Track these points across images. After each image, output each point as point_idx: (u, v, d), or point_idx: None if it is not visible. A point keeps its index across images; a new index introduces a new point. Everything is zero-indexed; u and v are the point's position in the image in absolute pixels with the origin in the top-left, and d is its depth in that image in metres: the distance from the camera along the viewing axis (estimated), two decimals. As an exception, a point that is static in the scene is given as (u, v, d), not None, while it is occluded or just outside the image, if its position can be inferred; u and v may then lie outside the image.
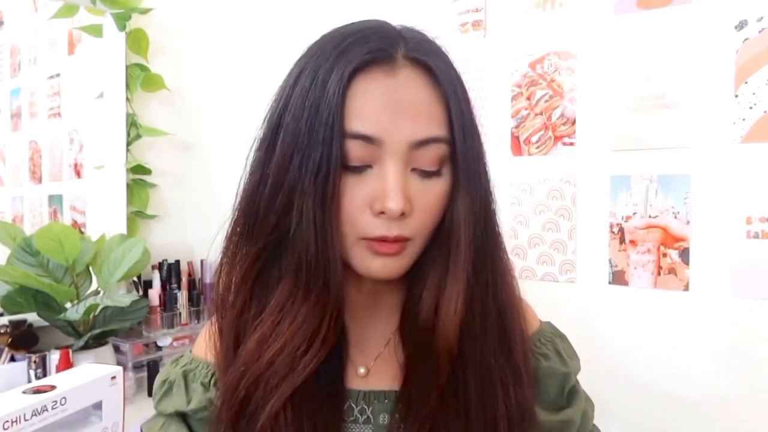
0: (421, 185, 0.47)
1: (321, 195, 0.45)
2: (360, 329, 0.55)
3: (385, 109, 0.45)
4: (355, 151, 0.46)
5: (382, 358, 0.55)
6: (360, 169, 0.46)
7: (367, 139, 0.45)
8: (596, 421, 0.61)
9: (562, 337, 0.61)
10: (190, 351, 0.59)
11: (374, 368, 0.55)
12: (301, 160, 0.46)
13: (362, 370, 0.54)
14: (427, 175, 0.48)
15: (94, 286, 1.40)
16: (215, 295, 0.54)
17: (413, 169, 0.47)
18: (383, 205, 0.45)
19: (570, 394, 0.57)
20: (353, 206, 0.46)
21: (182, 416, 0.55)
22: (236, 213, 0.52)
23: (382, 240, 0.46)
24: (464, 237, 0.49)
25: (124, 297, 1.32)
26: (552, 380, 0.56)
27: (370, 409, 0.53)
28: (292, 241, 0.48)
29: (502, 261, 0.53)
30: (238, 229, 0.52)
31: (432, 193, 0.48)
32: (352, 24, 0.49)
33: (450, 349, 0.48)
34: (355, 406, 0.53)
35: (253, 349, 0.48)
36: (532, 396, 0.52)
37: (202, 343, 0.57)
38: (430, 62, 0.48)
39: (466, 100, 0.49)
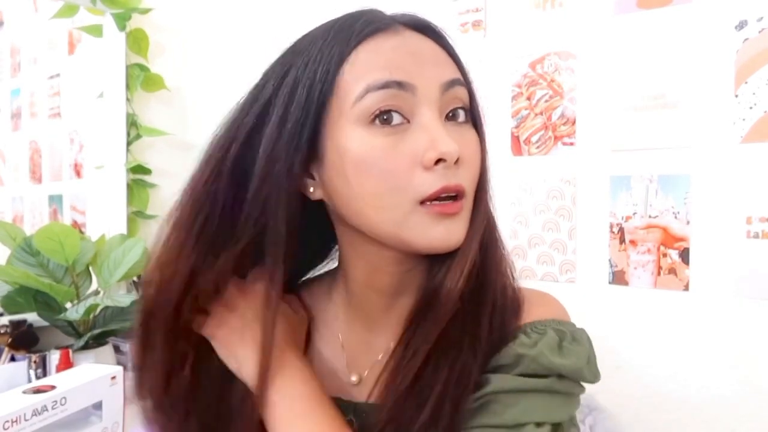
0: (459, 133, 0.46)
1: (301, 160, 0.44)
2: (370, 331, 0.53)
3: (408, 58, 0.44)
4: (387, 102, 0.43)
5: (376, 369, 0.51)
6: (395, 129, 0.44)
7: (398, 85, 0.43)
8: (596, 421, 0.61)
9: (576, 341, 0.48)
10: None
11: (368, 378, 0.52)
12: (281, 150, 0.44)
13: (354, 378, 0.53)
14: (456, 121, 0.47)
15: (94, 286, 1.40)
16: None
17: (447, 118, 0.46)
18: (438, 152, 0.42)
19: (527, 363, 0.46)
20: (401, 167, 0.43)
21: None
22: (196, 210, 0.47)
23: (444, 191, 0.43)
24: (484, 199, 0.49)
25: (124, 297, 1.32)
26: (506, 357, 0.46)
27: (358, 422, 0.50)
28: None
29: (498, 236, 0.52)
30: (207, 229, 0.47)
31: (470, 142, 0.47)
32: (336, 17, 0.49)
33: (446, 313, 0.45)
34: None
35: None
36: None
37: None
38: (429, 26, 0.49)
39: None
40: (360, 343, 0.54)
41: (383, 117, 0.43)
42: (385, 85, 0.43)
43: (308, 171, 0.48)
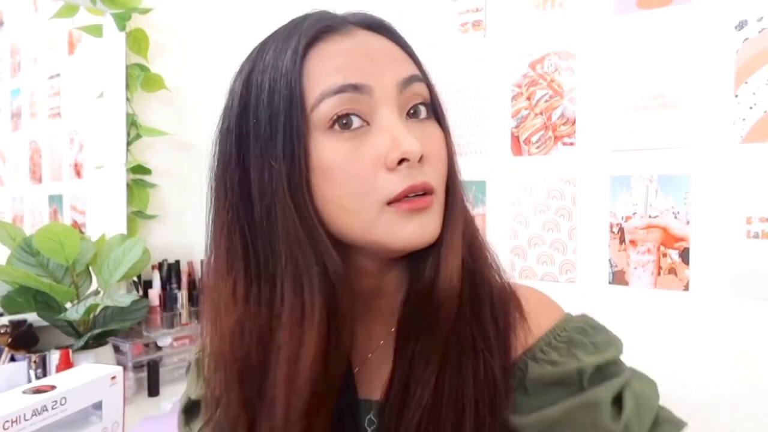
0: (420, 130, 0.45)
1: (297, 170, 0.43)
2: (355, 332, 0.52)
3: (362, 59, 0.44)
4: (344, 107, 0.43)
5: (369, 365, 0.51)
6: (354, 132, 0.43)
7: (353, 88, 0.42)
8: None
9: (594, 328, 0.50)
10: None
11: (356, 376, 0.51)
12: (267, 148, 0.43)
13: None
14: (417, 118, 0.46)
15: (94, 286, 1.40)
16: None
17: (406, 116, 0.45)
18: (401, 151, 0.41)
19: (593, 378, 0.46)
20: (364, 170, 0.42)
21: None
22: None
23: (411, 191, 0.42)
24: (458, 194, 0.48)
25: (124, 297, 1.32)
26: (559, 388, 0.46)
27: (351, 418, 0.49)
28: (270, 234, 0.44)
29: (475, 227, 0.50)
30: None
31: (433, 137, 0.46)
32: (286, 23, 0.49)
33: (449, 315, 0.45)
34: None
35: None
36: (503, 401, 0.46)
37: None
38: (382, 24, 0.48)
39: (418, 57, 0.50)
40: (354, 334, 0.53)
41: (342, 122, 0.43)
42: (340, 90, 0.42)
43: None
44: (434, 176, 0.45)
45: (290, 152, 0.43)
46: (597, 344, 0.48)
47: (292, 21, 0.48)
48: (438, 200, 0.45)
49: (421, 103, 0.46)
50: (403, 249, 0.44)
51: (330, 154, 0.43)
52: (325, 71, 0.43)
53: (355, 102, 0.43)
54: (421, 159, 0.43)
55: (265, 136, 0.44)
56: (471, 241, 0.49)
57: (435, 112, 0.48)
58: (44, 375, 1.19)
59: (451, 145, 0.49)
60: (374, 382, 0.50)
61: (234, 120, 0.47)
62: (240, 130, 0.46)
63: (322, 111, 0.43)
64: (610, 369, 0.47)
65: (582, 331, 0.49)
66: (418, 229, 0.43)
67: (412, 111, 0.46)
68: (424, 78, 0.48)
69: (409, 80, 0.45)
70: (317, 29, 0.45)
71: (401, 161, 0.42)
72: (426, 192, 0.43)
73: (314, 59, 0.44)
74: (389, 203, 0.43)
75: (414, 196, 0.43)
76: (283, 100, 0.43)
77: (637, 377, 0.48)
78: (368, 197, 0.43)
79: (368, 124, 0.44)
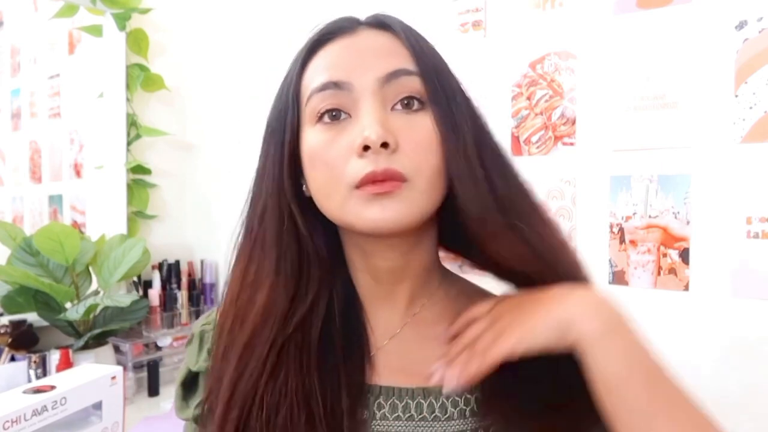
0: (405, 121, 0.46)
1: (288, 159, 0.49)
2: (375, 318, 0.54)
3: (347, 58, 0.48)
4: (327, 102, 0.47)
5: (384, 352, 0.53)
6: (338, 124, 0.47)
7: (334, 85, 0.47)
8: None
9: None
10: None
11: (371, 360, 0.52)
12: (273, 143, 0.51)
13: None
14: (409, 110, 0.47)
15: (94, 286, 1.40)
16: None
17: (394, 108, 0.47)
18: (362, 138, 0.44)
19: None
20: (337, 157, 0.46)
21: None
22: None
23: (372, 177, 0.44)
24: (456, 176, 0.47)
25: (124, 297, 1.32)
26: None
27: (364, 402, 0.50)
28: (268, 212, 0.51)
29: (530, 202, 0.51)
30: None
31: (418, 127, 0.47)
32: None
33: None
34: None
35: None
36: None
37: None
38: (387, 21, 0.50)
39: (432, 48, 0.51)
40: (373, 321, 0.55)
41: (330, 114, 0.47)
42: (323, 87, 0.47)
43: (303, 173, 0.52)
44: (409, 164, 0.45)
45: (280, 141, 0.50)
46: None
47: (314, 30, 0.53)
48: (413, 186, 0.45)
49: (411, 96, 0.47)
50: (370, 231, 0.46)
51: (314, 144, 0.48)
52: (317, 70, 0.49)
53: (338, 97, 0.47)
54: (387, 146, 0.44)
55: (278, 129, 0.51)
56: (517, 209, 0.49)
57: (438, 103, 0.48)
58: (44, 375, 1.19)
59: (449, 133, 0.47)
60: (386, 369, 0.51)
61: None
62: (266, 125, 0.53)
63: (311, 106, 0.48)
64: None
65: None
66: (379, 212, 0.45)
67: (405, 102, 0.47)
68: (422, 72, 0.48)
69: (394, 74, 0.47)
70: (323, 33, 0.50)
71: (366, 148, 0.44)
72: (388, 178, 0.44)
73: (314, 61, 0.50)
74: (357, 187, 0.45)
75: (381, 181, 0.45)
76: (286, 98, 0.50)
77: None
78: (339, 181, 0.46)
79: (350, 116, 0.47)
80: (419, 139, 0.46)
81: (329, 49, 0.49)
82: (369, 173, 0.44)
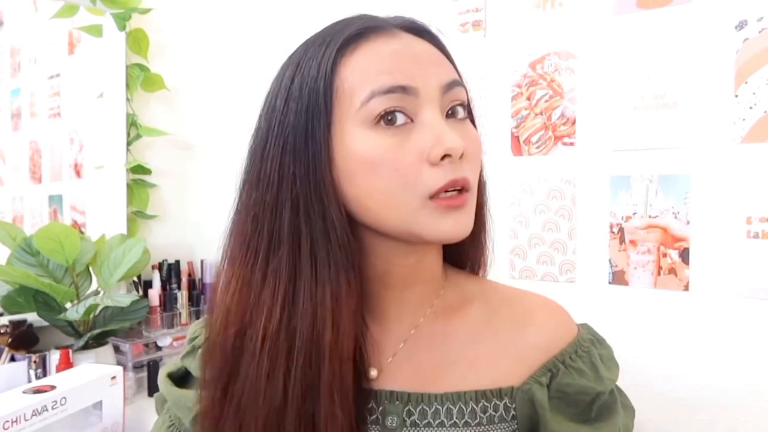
0: (460, 129, 0.48)
1: (314, 167, 0.46)
2: (380, 326, 0.54)
3: (409, 61, 0.47)
4: (392, 104, 0.45)
5: (398, 358, 0.53)
6: (401, 129, 0.46)
7: (402, 89, 0.45)
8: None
9: (601, 342, 0.56)
10: None
11: (388, 367, 0.52)
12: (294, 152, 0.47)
13: (374, 373, 0.52)
14: (460, 119, 0.49)
15: (94, 286, 1.40)
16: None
17: (446, 117, 0.48)
18: (444, 147, 0.44)
19: (601, 409, 0.51)
20: (410, 164, 0.45)
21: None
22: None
23: (452, 185, 0.45)
24: (482, 191, 0.54)
25: (124, 297, 1.32)
26: (582, 397, 0.51)
27: (380, 409, 0.51)
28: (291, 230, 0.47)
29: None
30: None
31: (472, 137, 0.50)
32: (330, 24, 0.51)
33: None
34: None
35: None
36: None
37: None
38: (426, 28, 0.51)
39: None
40: (373, 342, 0.54)
41: (387, 117, 0.46)
42: (390, 90, 0.45)
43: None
44: (471, 172, 0.48)
45: (316, 139, 0.46)
46: (606, 361, 0.53)
47: (337, 24, 0.50)
48: (472, 197, 0.48)
49: (459, 105, 0.49)
50: (438, 242, 0.49)
51: (375, 148, 0.45)
52: (375, 71, 0.46)
53: (403, 101, 0.46)
54: (461, 156, 0.46)
55: (302, 127, 0.47)
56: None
57: (470, 113, 0.52)
58: (44, 375, 1.19)
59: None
60: (398, 373, 0.52)
61: (263, 116, 0.51)
62: (269, 124, 0.50)
63: (371, 108, 0.45)
64: (615, 395, 0.52)
65: (598, 341, 0.55)
66: (454, 225, 0.46)
67: (450, 111, 0.49)
68: (462, 82, 0.51)
69: (451, 84, 0.48)
70: (361, 27, 0.48)
71: (444, 157, 0.45)
72: (464, 188, 0.47)
73: (361, 58, 0.47)
74: (431, 197, 0.45)
75: (453, 191, 0.46)
76: (315, 93, 0.46)
77: (624, 405, 0.54)
78: (411, 190, 0.45)
79: (412, 121, 0.46)
80: (474, 148, 0.49)
81: (375, 49, 0.47)
82: (450, 181, 0.45)
